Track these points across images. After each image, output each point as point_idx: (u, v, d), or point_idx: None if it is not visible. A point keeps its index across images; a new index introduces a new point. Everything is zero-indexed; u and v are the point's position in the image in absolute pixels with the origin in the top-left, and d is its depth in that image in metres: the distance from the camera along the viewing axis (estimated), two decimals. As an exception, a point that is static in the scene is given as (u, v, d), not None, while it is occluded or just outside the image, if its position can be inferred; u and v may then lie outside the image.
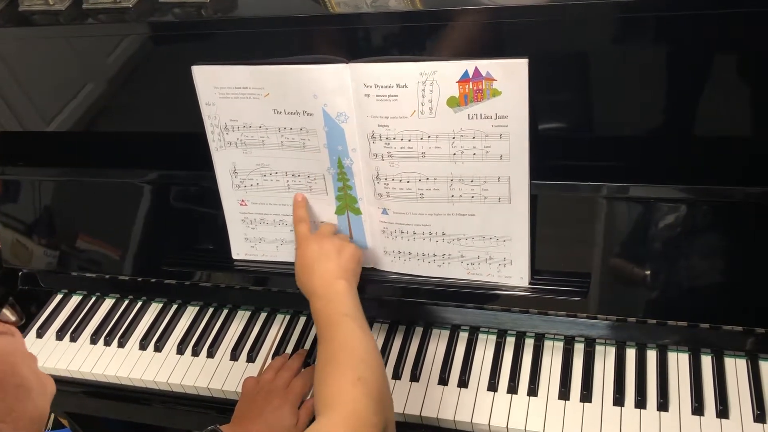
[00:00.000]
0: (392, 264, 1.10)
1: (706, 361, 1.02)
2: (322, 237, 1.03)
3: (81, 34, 1.08)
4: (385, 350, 1.12)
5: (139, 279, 1.28)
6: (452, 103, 0.93)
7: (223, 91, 1.02)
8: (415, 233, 1.05)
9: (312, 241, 1.02)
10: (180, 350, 1.20)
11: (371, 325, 1.16)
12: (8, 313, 0.66)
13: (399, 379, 1.08)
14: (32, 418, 0.61)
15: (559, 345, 1.07)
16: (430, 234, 1.04)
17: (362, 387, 0.82)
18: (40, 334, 1.28)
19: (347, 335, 0.90)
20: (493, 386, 1.04)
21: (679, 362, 1.02)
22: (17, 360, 0.62)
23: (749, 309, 0.98)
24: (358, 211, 1.07)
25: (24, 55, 1.14)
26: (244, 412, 1.03)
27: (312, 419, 0.99)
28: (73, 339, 1.26)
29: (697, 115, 0.95)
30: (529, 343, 1.09)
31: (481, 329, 1.12)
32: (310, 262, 0.99)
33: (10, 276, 1.35)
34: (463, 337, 1.12)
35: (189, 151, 1.12)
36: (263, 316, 1.23)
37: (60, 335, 1.27)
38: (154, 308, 1.29)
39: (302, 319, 1.21)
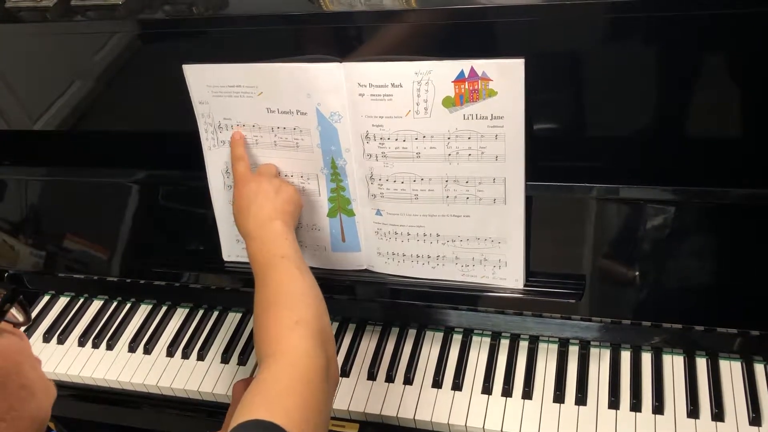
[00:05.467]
0: (386, 265, 1.09)
1: (701, 364, 1.02)
2: (261, 177, 1.00)
3: (69, 31, 1.07)
4: (378, 352, 1.11)
5: (128, 280, 1.26)
6: (447, 103, 0.92)
7: (216, 89, 1.01)
8: (409, 234, 1.04)
9: (251, 180, 0.99)
10: (170, 352, 1.18)
11: (363, 327, 1.16)
12: (16, 313, 0.65)
13: (392, 382, 1.07)
14: (33, 419, 0.60)
15: (554, 347, 1.07)
16: (425, 235, 1.03)
17: (302, 329, 0.80)
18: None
19: (283, 277, 0.87)
20: (487, 389, 1.03)
21: (674, 365, 1.02)
22: (23, 360, 0.61)
23: (744, 311, 0.98)
24: (351, 213, 1.06)
25: (10, 52, 1.12)
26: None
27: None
28: (61, 341, 1.24)
29: (694, 116, 0.95)
30: (523, 346, 1.08)
31: (475, 331, 1.11)
32: (247, 203, 0.96)
33: (-4, 277, 1.34)
34: (457, 339, 1.11)
35: (178, 150, 1.10)
36: (254, 318, 1.22)
37: (47, 337, 1.25)
38: (144, 310, 1.27)
39: (294, 321, 1.20)
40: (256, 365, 1.15)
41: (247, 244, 0.94)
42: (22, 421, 0.58)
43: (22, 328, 0.68)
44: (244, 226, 0.96)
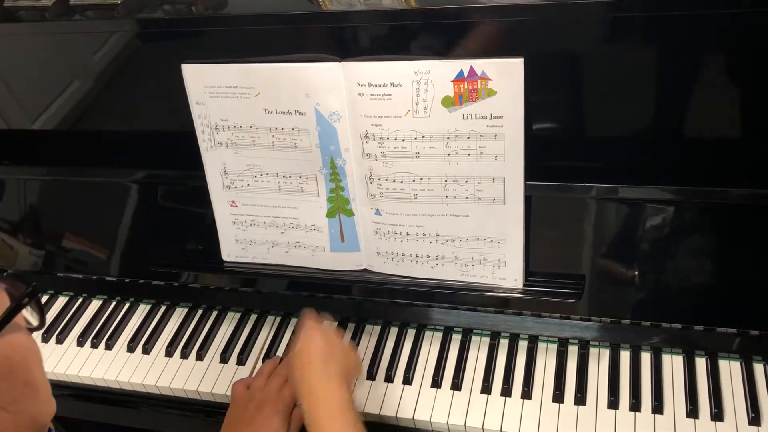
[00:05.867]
0: (385, 265, 1.08)
1: (701, 364, 1.01)
2: (330, 335, 0.99)
3: (68, 30, 1.06)
4: (377, 352, 1.11)
5: (127, 280, 1.26)
6: (447, 102, 0.92)
7: (213, 90, 1.01)
8: (408, 234, 1.04)
9: (320, 336, 0.97)
10: (169, 352, 1.18)
11: (363, 327, 1.16)
12: (30, 316, 0.64)
13: (391, 381, 1.07)
14: (34, 420, 0.60)
15: (553, 347, 1.07)
16: (424, 235, 1.03)
17: None
18: (25, 336, 1.26)
19: None
20: (486, 389, 1.03)
21: (673, 364, 1.02)
22: (31, 356, 0.61)
23: (743, 311, 0.98)
24: (350, 213, 1.06)
25: (9, 51, 1.12)
26: (235, 420, 1.01)
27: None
28: (60, 341, 1.24)
29: (693, 116, 0.94)
30: (522, 346, 1.08)
31: (475, 331, 1.11)
32: (317, 361, 0.94)
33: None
34: (456, 339, 1.11)
35: (178, 150, 1.10)
36: (253, 317, 1.22)
37: (46, 337, 1.25)
38: (143, 309, 1.27)
39: (293, 322, 1.19)
40: (255, 365, 1.15)
41: (311, 403, 0.91)
42: (23, 417, 0.58)
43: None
44: (310, 384, 0.93)
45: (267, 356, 1.15)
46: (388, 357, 1.10)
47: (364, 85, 0.93)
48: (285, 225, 1.10)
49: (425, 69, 0.90)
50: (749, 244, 0.96)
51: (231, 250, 1.15)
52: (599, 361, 1.04)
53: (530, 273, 1.03)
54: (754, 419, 0.94)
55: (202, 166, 1.09)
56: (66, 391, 1.20)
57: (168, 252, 1.20)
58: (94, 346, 1.22)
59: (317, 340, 0.96)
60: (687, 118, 0.95)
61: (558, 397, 1.00)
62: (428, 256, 1.05)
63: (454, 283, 1.06)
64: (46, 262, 1.29)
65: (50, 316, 1.29)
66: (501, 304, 1.06)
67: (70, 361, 1.20)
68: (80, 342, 1.23)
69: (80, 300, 1.31)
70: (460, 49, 0.91)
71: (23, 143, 1.27)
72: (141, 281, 1.25)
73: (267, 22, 0.96)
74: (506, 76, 0.88)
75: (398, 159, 0.97)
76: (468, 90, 0.90)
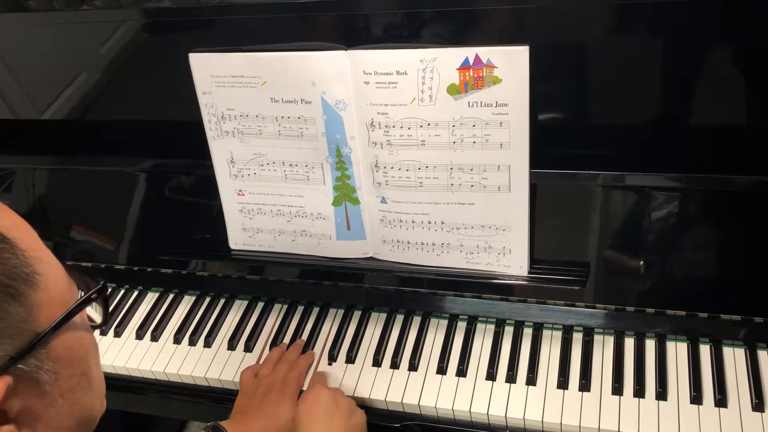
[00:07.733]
0: (391, 253, 1.09)
1: (705, 351, 1.02)
2: (336, 392, 1.01)
3: (76, 20, 1.07)
4: (382, 340, 1.12)
5: (135, 268, 1.27)
6: (452, 90, 0.92)
7: (219, 79, 1.01)
8: (414, 222, 1.04)
9: (328, 390, 1.00)
10: (177, 339, 1.19)
11: (369, 314, 1.16)
12: (93, 314, 0.66)
13: (397, 368, 1.08)
14: (86, 410, 0.61)
15: (558, 334, 1.07)
16: (429, 223, 1.04)
17: None
18: (35, 324, 1.27)
19: None
20: (491, 375, 1.04)
21: (677, 351, 1.02)
22: (92, 351, 0.63)
23: (747, 298, 0.98)
24: (356, 201, 1.06)
25: (17, 41, 1.12)
26: (243, 407, 1.02)
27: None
28: (69, 329, 1.25)
29: (699, 103, 0.94)
30: (527, 333, 1.08)
31: (480, 318, 1.11)
32: (323, 412, 0.96)
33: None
34: (462, 326, 1.11)
35: (185, 139, 1.11)
36: (260, 305, 1.22)
37: (55, 325, 1.26)
38: (151, 297, 1.28)
39: (300, 309, 1.21)
40: (262, 352, 1.16)
41: None
42: (76, 407, 0.60)
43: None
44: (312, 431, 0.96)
45: (274, 343, 1.16)
46: (393, 344, 1.11)
47: (370, 74, 0.93)
48: (291, 213, 1.11)
49: (431, 57, 0.91)
50: (754, 231, 0.97)
51: (238, 239, 1.16)
52: (604, 349, 1.04)
53: (535, 260, 1.04)
54: (758, 405, 0.94)
55: (210, 156, 1.09)
56: (75, 378, 1.21)
57: (176, 240, 1.21)
58: (103, 333, 1.23)
59: (324, 393, 0.98)
60: (692, 105, 0.95)
61: (562, 383, 1.01)
62: (433, 244, 1.06)
63: (460, 270, 1.07)
64: (54, 252, 1.28)
65: (59, 305, 1.30)
66: (506, 291, 1.06)
67: (79, 348, 1.21)
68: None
69: (89, 288, 1.32)
70: (466, 37, 0.91)
71: (32, 133, 1.27)
72: (149, 269, 1.26)
73: (275, 11, 0.96)
74: (511, 64, 0.89)
75: (404, 147, 0.98)
76: (473, 78, 0.91)
